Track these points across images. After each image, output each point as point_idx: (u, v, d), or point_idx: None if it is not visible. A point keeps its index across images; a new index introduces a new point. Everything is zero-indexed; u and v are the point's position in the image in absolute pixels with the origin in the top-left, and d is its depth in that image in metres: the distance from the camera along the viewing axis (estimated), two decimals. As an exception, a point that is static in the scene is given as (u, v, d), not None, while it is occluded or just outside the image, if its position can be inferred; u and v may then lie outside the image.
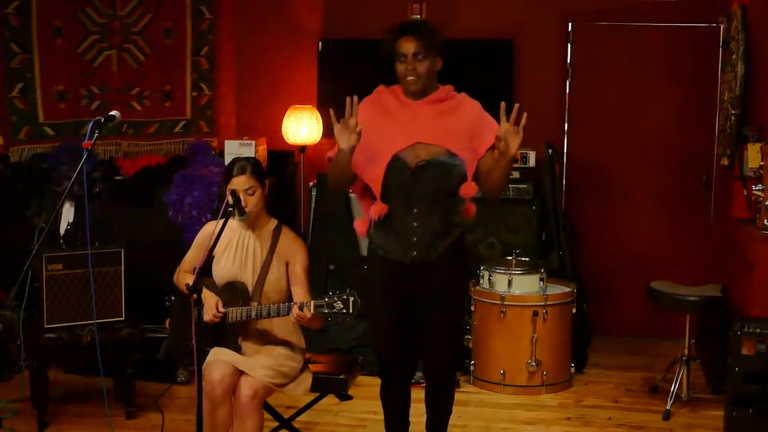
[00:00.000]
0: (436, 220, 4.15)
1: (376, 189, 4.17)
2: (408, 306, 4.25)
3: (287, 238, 4.49)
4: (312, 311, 4.16)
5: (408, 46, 4.13)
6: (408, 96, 4.20)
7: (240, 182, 4.36)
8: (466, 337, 6.04)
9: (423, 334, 4.27)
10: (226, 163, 6.23)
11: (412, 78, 4.14)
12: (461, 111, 4.19)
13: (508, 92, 6.96)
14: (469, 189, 4.13)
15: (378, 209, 4.18)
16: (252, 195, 4.38)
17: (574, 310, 6.02)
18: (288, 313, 4.22)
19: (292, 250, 4.47)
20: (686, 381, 5.69)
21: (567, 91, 7.02)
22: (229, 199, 4.25)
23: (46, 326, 5.20)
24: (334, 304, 4.15)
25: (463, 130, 4.14)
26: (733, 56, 6.07)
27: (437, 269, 4.18)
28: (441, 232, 4.16)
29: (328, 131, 6.96)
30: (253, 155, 6.17)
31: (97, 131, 3.97)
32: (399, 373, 4.39)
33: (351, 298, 4.14)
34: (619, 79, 7.04)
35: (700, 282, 6.08)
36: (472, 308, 5.98)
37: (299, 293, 4.42)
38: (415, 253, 4.16)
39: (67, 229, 5.68)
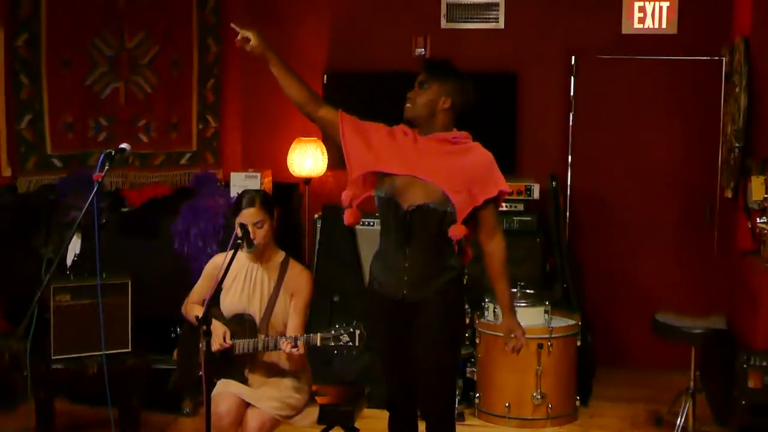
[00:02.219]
0: (429, 261, 4.13)
1: (356, 200, 4.23)
2: (403, 341, 4.22)
3: (295, 270, 4.53)
4: (318, 344, 4.18)
5: (419, 77, 4.20)
6: (418, 131, 4.21)
7: (249, 215, 4.40)
8: (471, 369, 6.05)
9: (416, 374, 4.23)
10: (232, 194, 6.37)
11: (408, 105, 4.18)
12: (468, 156, 4.15)
13: (511, 125, 7.04)
14: (457, 231, 4.08)
15: (351, 216, 4.22)
16: (261, 227, 4.42)
17: (578, 342, 6.03)
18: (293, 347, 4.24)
19: (299, 283, 4.50)
20: (692, 413, 5.69)
21: (570, 123, 7.07)
22: (238, 231, 4.29)
23: (53, 357, 5.22)
24: (341, 337, 4.18)
25: (465, 173, 4.11)
26: (736, 89, 6.13)
27: (427, 309, 4.14)
28: (433, 273, 4.14)
29: (333, 163, 7.02)
30: (258, 187, 6.21)
31: (107, 163, 3.99)
32: (402, 406, 4.37)
33: (357, 331, 4.18)
34: (623, 111, 7.10)
35: (705, 314, 6.09)
36: (477, 340, 5.99)
37: (294, 324, 4.42)
38: (405, 291, 4.14)
39: (74, 260, 5.71)
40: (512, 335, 4.25)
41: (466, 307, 5.96)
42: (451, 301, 4.20)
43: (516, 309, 5.79)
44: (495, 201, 4.16)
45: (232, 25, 4.18)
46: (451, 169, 4.11)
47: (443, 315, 4.17)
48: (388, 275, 4.19)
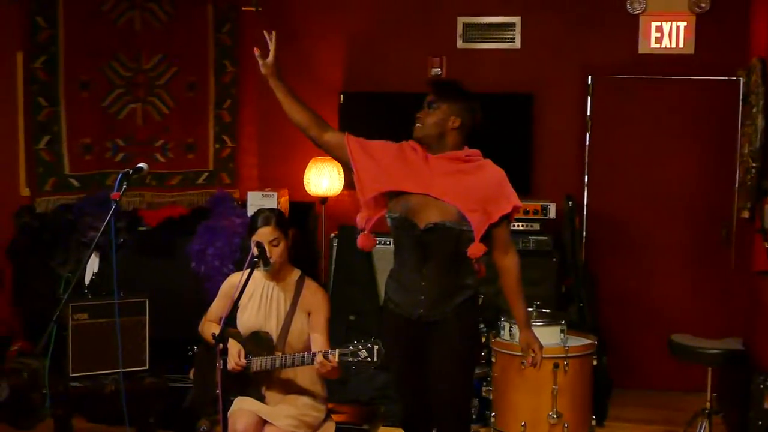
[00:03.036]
0: (445, 281, 4.15)
1: (370, 222, 4.28)
2: (419, 360, 4.25)
3: (310, 289, 4.56)
4: (336, 359, 4.19)
5: (428, 97, 4.24)
6: (427, 150, 4.23)
7: (265, 233, 4.44)
8: (487, 389, 6.07)
9: (432, 394, 4.24)
10: (249, 213, 6.40)
11: (417, 125, 4.21)
12: (481, 174, 4.17)
13: (528, 145, 7.07)
14: (476, 250, 4.10)
15: (364, 240, 4.26)
16: (276, 246, 4.46)
17: (594, 362, 6.04)
18: (312, 362, 4.25)
19: (315, 301, 4.53)
20: (708, 435, 5.69)
21: (587, 143, 7.10)
22: (254, 250, 4.31)
23: (71, 374, 5.27)
24: (359, 353, 4.18)
25: (479, 192, 4.13)
26: (753, 109, 6.14)
27: (444, 329, 4.15)
28: (449, 293, 4.15)
29: (349, 183, 7.06)
30: (275, 206, 6.26)
31: (125, 183, 4.05)
32: (417, 425, 4.38)
33: (375, 347, 4.17)
34: (639, 131, 7.13)
35: (721, 335, 6.09)
36: (493, 359, 5.99)
37: (319, 341, 4.45)
38: (421, 311, 4.16)
39: (92, 279, 5.77)
40: (531, 350, 4.27)
41: (482, 326, 6.02)
42: (468, 320, 4.22)
43: (533, 328, 5.86)
44: (508, 217, 4.19)
45: (265, 32, 4.29)
46: (464, 187, 4.12)
47: (459, 334, 4.17)
48: (404, 295, 4.21)
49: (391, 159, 4.22)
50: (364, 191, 4.24)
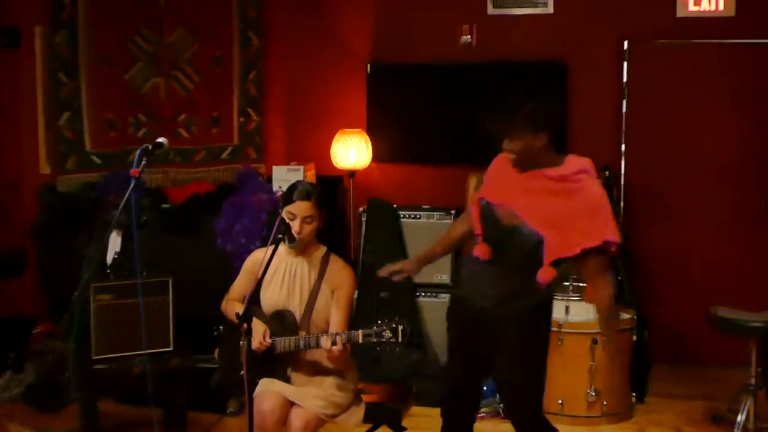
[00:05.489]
0: (516, 282, 4.10)
1: (476, 229, 4.27)
2: (477, 350, 4.25)
3: (336, 265, 4.51)
4: (360, 341, 4.19)
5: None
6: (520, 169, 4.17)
7: (301, 208, 4.38)
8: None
9: (500, 390, 4.42)
10: (274, 189, 6.37)
11: (510, 154, 4.11)
12: (573, 199, 4.00)
13: (561, 114, 6.94)
14: (545, 275, 4.00)
15: (481, 250, 4.19)
16: (310, 223, 4.40)
17: (634, 338, 5.96)
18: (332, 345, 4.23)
19: (341, 278, 4.48)
20: (753, 410, 5.59)
21: (623, 111, 6.97)
22: (280, 225, 4.26)
23: (94, 357, 5.25)
24: (383, 333, 4.16)
25: (564, 218, 3.98)
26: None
27: (508, 328, 4.13)
28: (518, 294, 4.10)
29: (378, 155, 7.00)
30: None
31: (144, 159, 3.99)
32: (457, 403, 4.38)
33: (400, 327, 4.15)
34: (678, 98, 6.99)
35: (762, 307, 5.99)
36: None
37: (336, 320, 4.41)
38: (488, 304, 4.14)
39: (114, 259, 5.74)
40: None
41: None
42: (534, 324, 4.18)
43: (569, 303, 5.81)
44: (599, 250, 3.97)
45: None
46: (548, 210, 4.01)
47: (523, 336, 4.14)
48: (473, 287, 4.24)
49: (490, 172, 4.29)
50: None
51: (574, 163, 4.07)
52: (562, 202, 4.00)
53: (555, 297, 5.78)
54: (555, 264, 3.99)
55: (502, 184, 4.17)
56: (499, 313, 4.12)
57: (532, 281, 4.03)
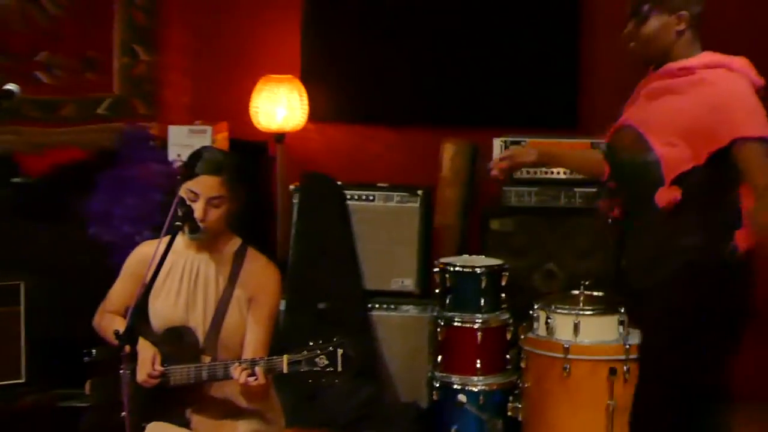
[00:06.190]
0: (649, 239, 4.33)
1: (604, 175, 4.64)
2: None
3: (255, 264, 4.51)
4: (284, 370, 4.16)
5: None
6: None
7: (207, 185, 4.35)
8: (515, 405, 6.04)
9: None
10: (171, 157, 6.33)
11: (631, 44, 4.38)
12: (687, 96, 4.24)
13: (572, 58, 6.99)
14: (663, 196, 4.21)
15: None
16: (218, 207, 4.38)
17: (669, 366, 5.97)
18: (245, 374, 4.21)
19: (261, 282, 4.48)
20: None
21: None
22: (178, 208, 4.23)
23: None
24: (316, 360, 4.14)
25: (679, 119, 4.21)
26: None
27: (650, 302, 4.39)
28: (658, 255, 4.30)
29: (315, 112, 6.95)
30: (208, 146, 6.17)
31: (-18, 113, 3.97)
32: None
33: (340, 351, 4.14)
34: (724, 35, 6.95)
35: None
36: (523, 365, 5.98)
37: (254, 341, 4.42)
38: (630, 274, 4.48)
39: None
40: None
41: (508, 317, 6.19)
42: (679, 297, 4.29)
43: (580, 318, 5.82)
44: (730, 150, 4.11)
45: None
46: (660, 112, 4.27)
47: (664, 316, 4.33)
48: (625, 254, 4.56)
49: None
50: None
51: (709, 56, 4.29)
52: (678, 101, 4.24)
53: (558, 311, 5.86)
54: (679, 182, 4.16)
55: (630, 104, 4.44)
56: (640, 285, 4.42)
57: (674, 234, 4.22)
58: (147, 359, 4.28)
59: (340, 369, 4.13)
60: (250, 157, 6.72)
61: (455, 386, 6.09)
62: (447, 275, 6.20)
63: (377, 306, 6.59)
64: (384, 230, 6.52)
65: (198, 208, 4.32)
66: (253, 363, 4.21)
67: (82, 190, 6.31)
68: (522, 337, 5.96)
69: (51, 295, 5.59)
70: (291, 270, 6.58)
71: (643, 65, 4.42)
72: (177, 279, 4.45)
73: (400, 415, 6.06)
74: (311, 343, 4.17)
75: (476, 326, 6.11)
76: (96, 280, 5.54)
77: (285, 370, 4.16)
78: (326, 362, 4.13)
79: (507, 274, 6.20)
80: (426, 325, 6.42)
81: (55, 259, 6.12)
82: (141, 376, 4.25)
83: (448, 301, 6.19)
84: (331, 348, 4.14)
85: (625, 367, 5.73)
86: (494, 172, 4.63)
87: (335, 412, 6.18)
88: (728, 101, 4.15)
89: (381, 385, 6.48)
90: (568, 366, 5.74)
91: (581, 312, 5.85)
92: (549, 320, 5.86)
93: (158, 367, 4.29)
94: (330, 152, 7.23)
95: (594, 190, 6.49)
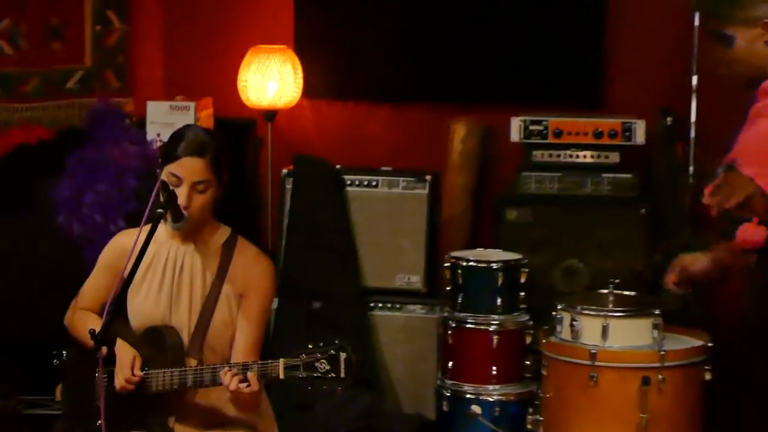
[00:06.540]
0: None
1: None
2: None
3: (245, 257, 4.54)
4: (281, 375, 4.18)
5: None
6: None
7: (192, 168, 4.38)
8: (534, 418, 6.06)
9: None
10: (149, 137, 6.38)
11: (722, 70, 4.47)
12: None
13: (597, 34, 7.03)
14: (747, 233, 4.40)
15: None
16: (203, 192, 4.40)
17: (708, 376, 6.02)
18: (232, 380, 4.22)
19: (252, 276, 4.51)
20: None
21: (695, 28, 7.00)
22: (159, 194, 4.27)
23: None
24: (317, 365, 4.15)
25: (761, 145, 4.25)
26: None
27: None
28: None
29: (310, 87, 7.00)
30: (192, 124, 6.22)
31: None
32: None
33: (343, 355, 4.15)
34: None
35: None
36: (543, 372, 5.97)
37: (245, 342, 4.45)
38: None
39: None
40: None
41: (527, 318, 6.21)
42: None
43: (609, 321, 5.88)
44: None
45: None
46: (755, 136, 4.29)
47: None
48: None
49: None
50: None
51: None
52: (759, 126, 4.29)
53: (584, 312, 5.89)
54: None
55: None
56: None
57: None
58: (125, 362, 4.30)
59: (342, 375, 4.12)
60: (237, 137, 6.72)
61: (467, 396, 6.09)
62: (459, 271, 6.15)
63: (379, 305, 6.61)
64: (387, 220, 6.56)
65: (181, 194, 4.32)
66: (246, 367, 4.21)
67: (49, 173, 6.36)
68: (543, 341, 5.94)
69: (14, 291, 5.62)
70: (282, 265, 6.62)
71: (746, 89, 4.40)
72: (159, 273, 4.48)
73: (402, 427, 6.13)
74: (310, 346, 4.16)
75: (491, 329, 6.12)
76: (66, 273, 5.63)
77: (281, 376, 4.16)
78: (327, 367, 4.12)
79: (527, 270, 6.20)
80: (434, 327, 6.39)
81: (19, 252, 6.18)
82: (119, 381, 4.28)
83: (459, 300, 6.15)
84: (332, 351, 4.13)
85: (659, 376, 5.72)
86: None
87: (330, 424, 6.21)
88: None
89: (381, 394, 6.50)
90: (595, 374, 5.72)
91: (610, 314, 5.83)
92: (574, 323, 5.82)
93: (138, 372, 4.31)
94: (326, 132, 7.27)
95: (627, 176, 6.60)
